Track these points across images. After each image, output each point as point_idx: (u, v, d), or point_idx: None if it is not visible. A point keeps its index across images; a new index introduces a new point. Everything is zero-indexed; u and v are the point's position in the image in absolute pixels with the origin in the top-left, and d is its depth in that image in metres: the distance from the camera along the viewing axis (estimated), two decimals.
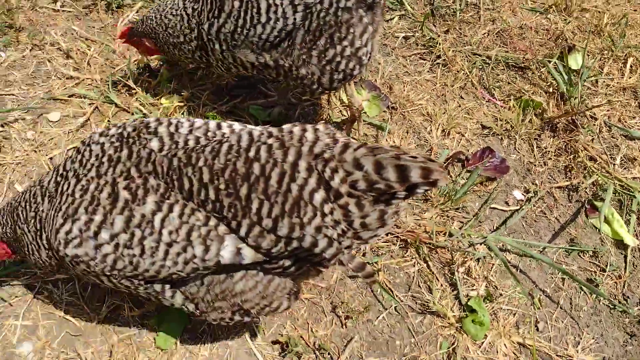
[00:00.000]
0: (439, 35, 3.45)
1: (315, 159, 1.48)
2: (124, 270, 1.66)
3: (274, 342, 2.16)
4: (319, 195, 1.47)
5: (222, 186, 1.54)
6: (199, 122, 1.75)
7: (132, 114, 2.70)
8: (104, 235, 1.61)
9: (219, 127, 1.74)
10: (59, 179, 1.77)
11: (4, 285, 2.18)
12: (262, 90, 2.98)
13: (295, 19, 2.13)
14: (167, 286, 1.75)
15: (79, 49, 2.95)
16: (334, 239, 1.51)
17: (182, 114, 2.72)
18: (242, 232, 1.56)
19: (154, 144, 1.67)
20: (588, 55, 3.36)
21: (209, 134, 1.71)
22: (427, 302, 2.29)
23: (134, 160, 1.66)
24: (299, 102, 2.95)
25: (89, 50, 2.96)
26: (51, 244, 1.73)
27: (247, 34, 2.18)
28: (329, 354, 2.12)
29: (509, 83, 3.24)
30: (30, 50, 2.95)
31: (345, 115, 2.95)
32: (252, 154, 1.54)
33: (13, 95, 2.78)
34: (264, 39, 2.19)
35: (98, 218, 1.61)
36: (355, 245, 1.61)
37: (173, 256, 1.60)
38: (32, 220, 1.81)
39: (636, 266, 2.55)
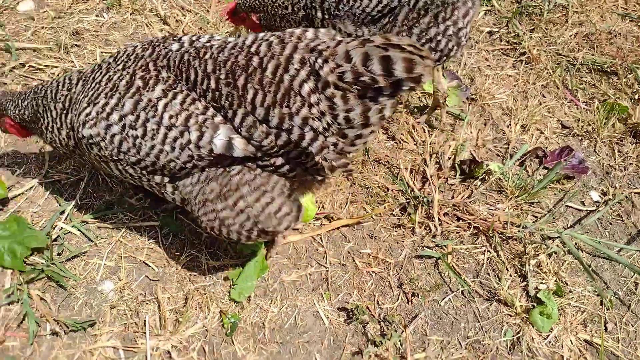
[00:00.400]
0: (524, 33, 3.41)
1: (311, 52, 1.58)
2: (128, 154, 1.82)
3: (340, 309, 2.22)
4: (307, 86, 1.57)
5: (222, 76, 1.68)
6: (218, 35, 1.92)
7: None
8: (114, 116, 1.80)
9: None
10: (95, 69, 1.98)
11: (91, 226, 2.34)
12: None
13: None
14: (167, 179, 1.89)
15: (175, 17, 3.12)
16: (319, 131, 1.61)
17: None
18: (237, 121, 1.69)
19: (174, 46, 1.86)
20: None
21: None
22: (494, 290, 2.29)
23: (154, 57, 1.84)
24: None
25: (184, 18, 3.12)
26: (73, 124, 1.94)
27: (351, 6, 2.25)
28: (393, 326, 2.16)
29: (593, 86, 3.16)
30: (131, 14, 3.14)
31: (424, 102, 2.97)
32: (253, 48, 1.68)
33: (111, 54, 2.97)
34: (367, 12, 2.24)
35: (113, 102, 1.81)
36: (341, 145, 1.68)
37: (170, 140, 1.75)
38: (63, 98, 2.02)
39: None
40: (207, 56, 1.74)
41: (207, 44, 1.80)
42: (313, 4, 2.33)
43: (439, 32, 2.27)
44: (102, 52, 2.95)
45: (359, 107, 1.57)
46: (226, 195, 1.83)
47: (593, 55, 3.34)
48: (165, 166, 1.82)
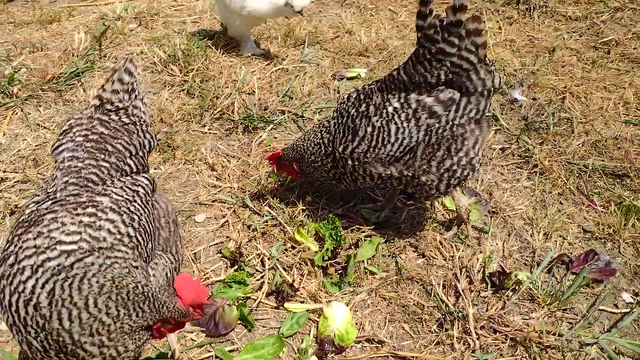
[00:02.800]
0: (534, 147, 3.72)
1: None
2: None
3: None
4: None
5: None
6: None
7: (263, 216, 3.18)
8: None
9: None
10: None
11: None
12: (371, 196, 3.37)
13: (418, 137, 2.57)
14: None
15: (221, 163, 3.60)
16: None
17: (305, 216, 3.15)
18: None
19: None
20: None
21: None
22: None
23: None
24: (404, 206, 3.29)
25: (229, 163, 3.59)
26: None
27: (377, 152, 2.65)
28: None
29: (607, 189, 3.36)
30: (184, 164, 3.64)
31: (446, 218, 3.22)
32: None
33: None
34: (391, 155, 2.63)
35: None
36: None
37: None
38: None
39: None
40: None
41: None
42: (343, 156, 2.76)
43: (454, 163, 2.61)
44: None
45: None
46: None
47: (603, 160, 3.58)
48: None
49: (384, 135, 2.62)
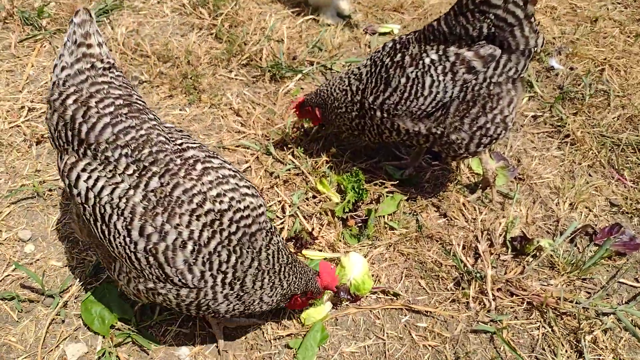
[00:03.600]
0: (567, 117, 3.61)
1: None
2: None
3: None
4: None
5: None
6: None
7: (285, 164, 3.16)
8: None
9: None
10: None
11: None
12: (396, 153, 3.33)
13: (453, 92, 2.49)
14: None
15: (246, 109, 3.56)
16: None
17: (327, 168, 3.13)
18: None
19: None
20: None
21: None
22: None
23: None
24: (429, 166, 3.24)
25: (254, 110, 3.56)
26: None
27: (409, 105, 2.57)
28: None
29: (639, 165, 3.27)
30: (209, 107, 3.61)
31: (471, 181, 3.17)
32: None
33: None
34: (422, 109, 2.56)
35: None
36: None
37: None
38: None
39: None
40: None
41: None
42: (373, 106, 2.68)
43: (488, 120, 2.53)
44: None
45: None
46: None
47: (638, 136, 3.47)
48: None
49: (418, 88, 2.54)
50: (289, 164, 3.16)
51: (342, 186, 2.95)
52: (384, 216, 2.91)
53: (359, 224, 2.88)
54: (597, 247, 2.76)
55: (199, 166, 2.00)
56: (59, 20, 4.25)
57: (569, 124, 3.53)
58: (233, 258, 1.97)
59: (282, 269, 2.15)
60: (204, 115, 3.56)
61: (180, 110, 3.56)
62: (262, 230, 2.06)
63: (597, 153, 3.36)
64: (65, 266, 2.67)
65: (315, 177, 3.04)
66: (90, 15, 2.09)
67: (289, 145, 3.26)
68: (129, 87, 2.14)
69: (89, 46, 2.04)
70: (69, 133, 2.01)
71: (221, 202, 1.96)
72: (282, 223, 2.85)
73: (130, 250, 1.91)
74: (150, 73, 3.74)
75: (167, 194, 1.91)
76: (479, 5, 2.36)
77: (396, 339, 2.45)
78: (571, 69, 4.14)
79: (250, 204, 2.03)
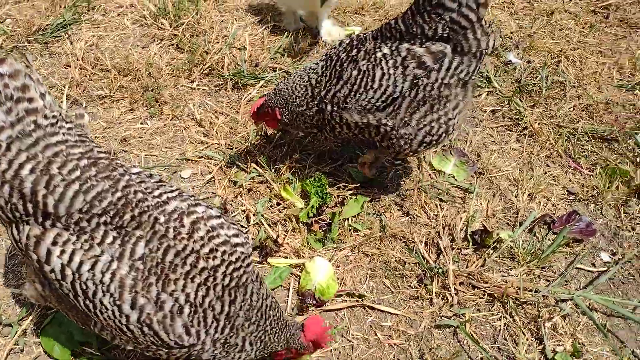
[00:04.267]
0: (525, 109, 3.70)
1: None
2: None
3: None
4: None
5: None
6: None
7: (249, 173, 3.18)
8: None
9: None
10: None
11: None
12: (359, 155, 3.36)
13: (403, 87, 2.52)
14: None
15: (209, 119, 3.57)
16: None
17: (291, 174, 3.16)
18: None
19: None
20: None
21: None
22: (512, 355, 2.39)
23: None
24: (391, 166, 3.29)
25: (217, 120, 3.57)
26: None
27: (358, 98, 2.60)
28: None
29: (594, 153, 3.37)
30: (171, 120, 3.61)
31: (433, 178, 3.22)
32: None
33: (154, 156, 3.39)
34: (372, 102, 2.59)
35: None
36: None
37: None
38: None
39: None
40: None
41: None
42: (324, 100, 2.70)
43: (434, 120, 2.58)
44: (146, 155, 3.37)
45: None
46: None
47: (593, 124, 3.57)
48: None
49: (368, 80, 2.57)
50: (253, 172, 3.18)
51: (306, 191, 2.98)
52: (348, 218, 2.94)
53: (324, 228, 2.91)
54: (555, 235, 2.84)
55: (186, 221, 1.86)
56: (16, 37, 4.20)
57: (526, 117, 3.61)
58: (226, 307, 1.90)
59: (265, 322, 2.07)
60: (166, 127, 3.56)
61: (142, 123, 3.56)
62: (250, 278, 2.00)
63: (554, 143, 3.45)
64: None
65: (279, 184, 3.07)
66: (28, 61, 1.88)
67: (253, 154, 3.28)
68: (86, 137, 1.90)
69: (31, 100, 1.73)
70: (29, 205, 1.74)
71: (214, 257, 1.86)
72: (246, 232, 2.86)
73: (122, 323, 1.77)
74: (111, 87, 3.72)
75: (159, 260, 1.77)
76: (435, 7, 2.40)
77: (362, 340, 2.49)
78: (528, 62, 4.24)
79: (241, 255, 1.95)
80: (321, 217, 2.95)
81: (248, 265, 1.98)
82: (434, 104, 2.56)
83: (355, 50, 2.64)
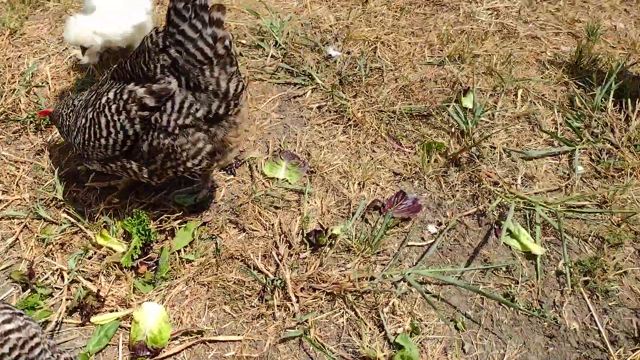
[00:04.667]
0: (348, 100, 3.76)
1: None
2: None
3: None
4: None
5: None
6: None
7: (61, 224, 2.84)
8: None
9: None
10: None
11: None
12: (187, 179, 3.17)
13: (135, 129, 2.39)
14: None
15: (8, 173, 3.14)
16: None
17: (109, 215, 2.87)
18: None
19: None
20: (484, 94, 3.71)
21: None
22: (357, 349, 2.37)
23: None
24: (223, 182, 3.15)
25: (18, 171, 3.15)
26: None
27: (93, 146, 2.52)
28: None
29: (414, 131, 3.51)
30: None
31: (267, 187, 3.13)
32: None
33: None
34: (109, 148, 2.48)
35: None
36: None
37: None
38: None
39: (546, 272, 2.70)
40: None
41: None
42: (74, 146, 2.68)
43: (174, 165, 2.54)
44: None
45: None
46: None
47: (410, 104, 3.73)
48: None
49: (96, 129, 2.45)
50: (65, 223, 2.84)
51: (127, 231, 2.72)
52: (180, 250, 2.74)
53: (154, 267, 2.68)
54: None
55: None
56: None
57: (349, 107, 3.68)
58: None
59: None
60: None
61: None
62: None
63: (377, 129, 3.54)
64: None
65: (95, 230, 2.77)
66: None
67: (62, 202, 2.93)
68: None
69: None
70: None
71: None
72: (61, 294, 2.54)
73: None
74: None
75: None
76: (159, 54, 2.27)
77: None
78: (348, 53, 4.34)
79: (18, 341, 1.73)
80: (149, 256, 2.72)
81: (32, 349, 1.74)
82: (170, 154, 2.45)
83: (93, 94, 2.58)
